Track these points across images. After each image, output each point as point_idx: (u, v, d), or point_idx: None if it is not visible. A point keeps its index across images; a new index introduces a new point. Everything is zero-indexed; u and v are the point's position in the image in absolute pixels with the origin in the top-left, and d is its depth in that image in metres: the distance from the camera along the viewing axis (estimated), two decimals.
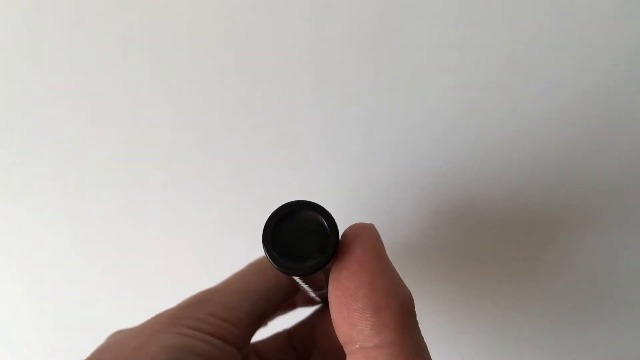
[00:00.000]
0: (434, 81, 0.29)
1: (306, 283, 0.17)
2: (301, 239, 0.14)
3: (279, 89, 0.31)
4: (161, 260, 0.32)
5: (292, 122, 0.31)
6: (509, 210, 0.29)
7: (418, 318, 0.14)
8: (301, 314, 0.27)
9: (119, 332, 0.21)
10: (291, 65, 0.30)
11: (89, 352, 0.19)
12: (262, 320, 0.21)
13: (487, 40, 0.28)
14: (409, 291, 0.14)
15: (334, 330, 0.21)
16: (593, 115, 0.28)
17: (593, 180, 0.28)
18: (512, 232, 0.29)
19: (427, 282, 0.30)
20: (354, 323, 0.14)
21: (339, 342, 0.21)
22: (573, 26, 0.28)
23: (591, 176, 0.28)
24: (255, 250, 0.21)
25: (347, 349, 0.14)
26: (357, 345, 0.14)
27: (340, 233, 0.15)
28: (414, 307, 0.14)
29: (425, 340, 0.14)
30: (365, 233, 0.15)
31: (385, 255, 0.14)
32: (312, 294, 0.21)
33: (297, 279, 0.16)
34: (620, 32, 0.27)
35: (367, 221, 0.16)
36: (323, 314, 0.24)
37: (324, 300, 0.24)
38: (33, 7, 0.32)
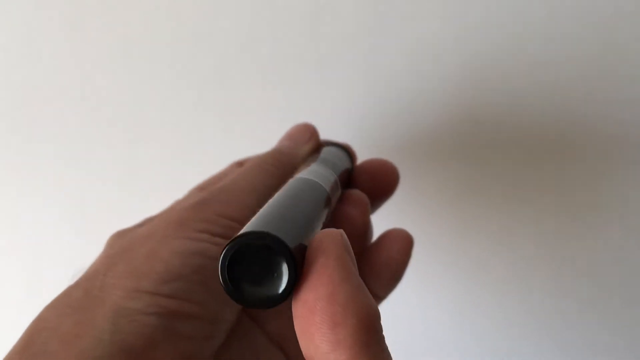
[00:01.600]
0: None
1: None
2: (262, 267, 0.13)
3: (277, 88, 0.31)
4: None
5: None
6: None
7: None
8: None
9: (122, 234, 0.20)
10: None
11: None
12: None
13: None
14: (373, 304, 0.13)
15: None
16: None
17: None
18: None
19: None
20: (311, 338, 0.13)
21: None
22: None
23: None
24: None
25: None
26: None
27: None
28: (377, 321, 0.13)
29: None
30: (329, 241, 0.14)
31: (350, 264, 0.13)
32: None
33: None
34: None
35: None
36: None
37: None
38: (33, 7, 0.32)
